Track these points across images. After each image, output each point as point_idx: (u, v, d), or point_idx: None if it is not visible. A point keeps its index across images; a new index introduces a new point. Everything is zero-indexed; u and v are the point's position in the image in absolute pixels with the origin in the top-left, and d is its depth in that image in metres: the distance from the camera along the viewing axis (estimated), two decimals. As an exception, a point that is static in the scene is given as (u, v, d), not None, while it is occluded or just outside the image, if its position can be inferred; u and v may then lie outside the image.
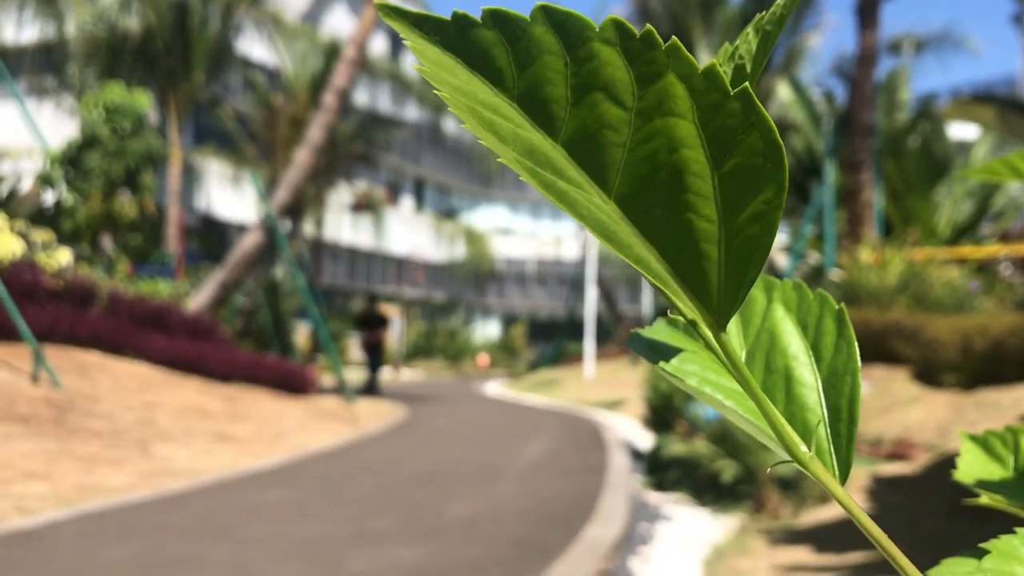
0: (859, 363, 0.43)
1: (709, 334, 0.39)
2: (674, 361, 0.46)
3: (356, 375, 21.98)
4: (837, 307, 0.45)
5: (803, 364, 0.45)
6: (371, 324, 17.04)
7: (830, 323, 0.45)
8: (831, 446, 0.43)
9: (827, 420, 0.43)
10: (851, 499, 0.38)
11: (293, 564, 4.09)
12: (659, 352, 0.47)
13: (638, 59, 0.33)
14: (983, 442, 0.63)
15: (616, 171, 0.35)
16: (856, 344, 0.43)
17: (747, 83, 0.33)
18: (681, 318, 0.39)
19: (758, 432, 0.42)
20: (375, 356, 17.02)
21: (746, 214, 0.35)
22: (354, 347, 28.90)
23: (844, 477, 0.41)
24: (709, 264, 0.36)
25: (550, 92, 0.34)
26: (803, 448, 0.39)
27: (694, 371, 0.46)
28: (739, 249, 0.36)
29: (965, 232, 14.51)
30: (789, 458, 0.39)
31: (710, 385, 0.45)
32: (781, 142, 0.33)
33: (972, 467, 0.61)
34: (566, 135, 0.34)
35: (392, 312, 29.40)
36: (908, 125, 15.26)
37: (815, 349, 0.46)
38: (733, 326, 0.48)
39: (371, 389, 16.58)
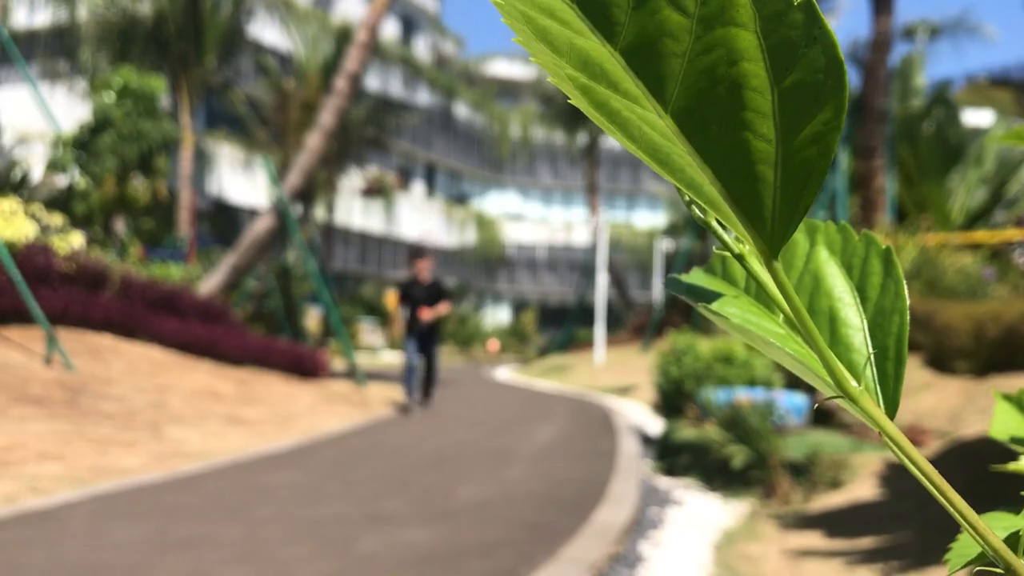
0: (907, 301, 0.42)
1: (758, 265, 0.38)
2: (714, 304, 0.45)
3: (366, 359, 22.01)
4: (884, 247, 0.44)
5: (848, 305, 0.44)
6: (418, 294, 10.58)
7: (876, 263, 0.44)
8: (877, 386, 0.42)
9: (873, 360, 0.42)
10: (901, 434, 0.37)
11: (305, 544, 4.11)
12: (699, 295, 0.46)
13: None
14: (1017, 401, 0.62)
15: (674, 83, 0.34)
16: (904, 283, 0.43)
17: (809, -3, 0.32)
18: (727, 254, 0.38)
19: (804, 370, 0.41)
20: (427, 344, 10.68)
21: (804, 134, 0.34)
22: (365, 331, 28.82)
23: (891, 415, 0.40)
24: (764, 187, 0.35)
25: (611, -7, 0.32)
26: (853, 383, 0.38)
27: (735, 313, 0.45)
28: (796, 172, 0.35)
29: (979, 219, 14.44)
30: (837, 393, 0.39)
31: (752, 326, 0.44)
32: (843, 58, 0.32)
33: (1006, 425, 0.60)
34: (625, 42, 0.33)
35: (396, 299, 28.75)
36: (922, 111, 15.17)
37: (860, 290, 0.45)
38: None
39: (414, 392, 10.69)
